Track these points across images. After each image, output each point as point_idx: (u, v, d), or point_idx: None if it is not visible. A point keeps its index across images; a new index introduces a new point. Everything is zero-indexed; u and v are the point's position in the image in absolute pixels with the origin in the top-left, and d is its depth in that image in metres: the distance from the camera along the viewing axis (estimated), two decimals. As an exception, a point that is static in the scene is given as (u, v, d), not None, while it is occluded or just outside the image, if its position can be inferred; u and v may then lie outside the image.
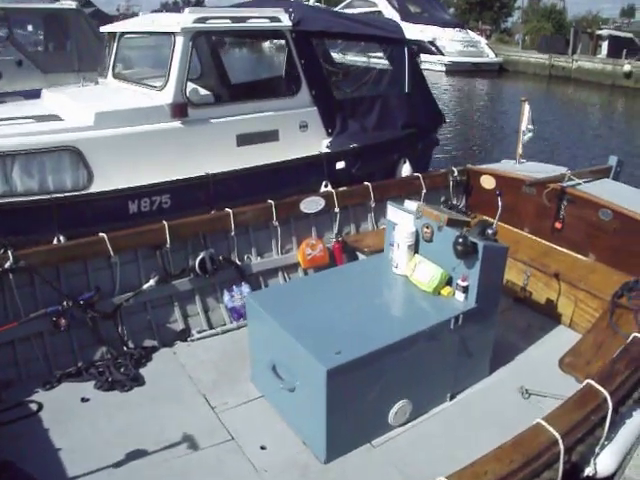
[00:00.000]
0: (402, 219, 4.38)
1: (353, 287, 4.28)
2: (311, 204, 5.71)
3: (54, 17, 11.75)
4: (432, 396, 4.00)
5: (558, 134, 17.04)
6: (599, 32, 36.45)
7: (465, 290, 3.95)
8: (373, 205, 6.07)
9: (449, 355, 3.95)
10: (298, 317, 3.74)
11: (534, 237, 5.93)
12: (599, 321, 4.51)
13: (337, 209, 5.84)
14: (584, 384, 3.04)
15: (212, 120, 6.51)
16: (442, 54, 32.65)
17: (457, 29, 34.53)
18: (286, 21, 6.96)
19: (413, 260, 4.24)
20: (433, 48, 33.71)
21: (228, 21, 6.71)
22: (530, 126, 6.44)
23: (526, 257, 5.43)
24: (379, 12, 33.46)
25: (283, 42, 7.05)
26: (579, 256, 5.47)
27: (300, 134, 7.15)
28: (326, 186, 6.62)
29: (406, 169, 7.66)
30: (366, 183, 6.07)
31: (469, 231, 3.96)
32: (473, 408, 4.03)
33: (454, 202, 6.54)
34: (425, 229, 4.19)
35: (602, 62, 32.14)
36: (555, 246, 5.71)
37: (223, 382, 4.13)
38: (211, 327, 4.89)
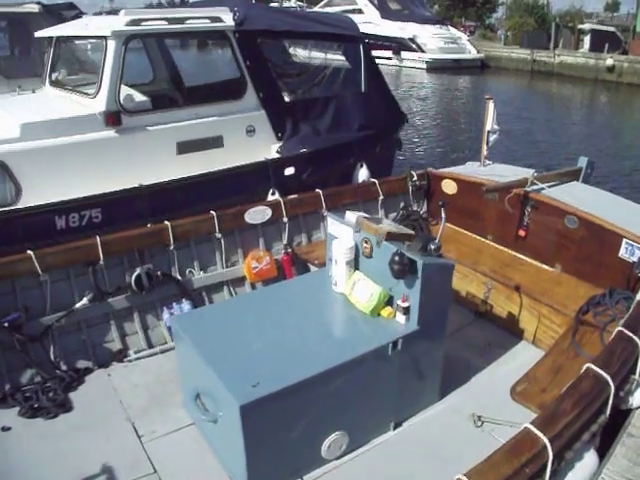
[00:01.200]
0: (341, 232, 4.00)
1: (287, 307, 3.90)
2: (256, 214, 5.37)
3: (17, 21, 11.33)
4: (372, 426, 3.66)
5: (538, 131, 16.71)
6: (581, 26, 36.13)
7: (406, 311, 3.57)
8: (325, 214, 5.69)
9: (389, 382, 3.58)
10: (221, 343, 3.47)
11: (497, 246, 5.57)
12: (560, 340, 4.17)
13: (285, 219, 5.48)
14: (521, 429, 2.67)
15: (149, 128, 6.13)
16: (423, 51, 32.54)
17: (438, 25, 34.27)
18: (229, 21, 6.58)
19: (352, 277, 3.87)
20: (413, 45, 33.74)
21: (165, 23, 6.32)
22: (496, 126, 6.11)
23: (487, 268, 5.07)
24: (359, 10, 33.25)
25: (226, 43, 6.64)
26: (544, 266, 5.12)
27: (247, 139, 6.77)
28: (273, 194, 6.30)
29: (363, 174, 7.29)
30: (317, 190, 5.70)
31: (410, 246, 3.59)
32: (419, 438, 3.68)
33: (414, 208, 6.18)
34: (364, 244, 3.82)
35: (584, 56, 31.85)
36: (519, 255, 5.36)
37: (154, 407, 3.89)
38: (150, 346, 4.64)
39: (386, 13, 33.59)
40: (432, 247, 3.54)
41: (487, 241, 5.66)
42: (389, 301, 3.71)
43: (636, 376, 3.23)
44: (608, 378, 2.92)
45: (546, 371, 3.83)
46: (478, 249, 5.47)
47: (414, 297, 3.52)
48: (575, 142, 15.57)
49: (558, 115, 20.23)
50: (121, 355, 4.46)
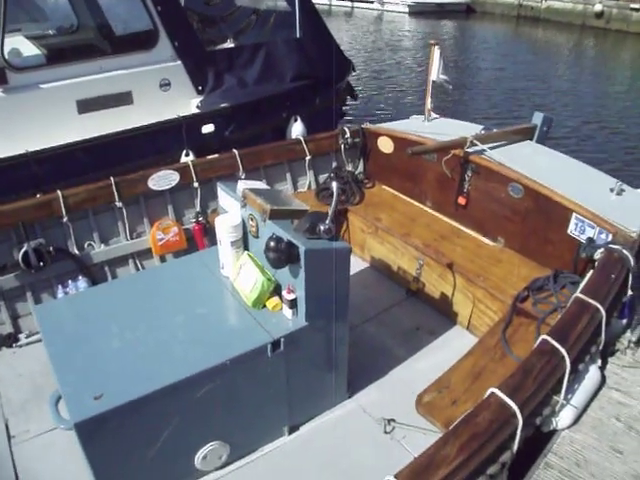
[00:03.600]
0: (231, 206, 3.40)
1: (164, 295, 3.31)
2: (162, 180, 4.74)
3: None
4: (260, 432, 3.17)
5: (521, 80, 15.75)
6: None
7: (292, 304, 2.99)
8: (243, 177, 5.03)
9: (276, 383, 3.05)
10: (76, 340, 2.93)
11: (436, 214, 4.94)
12: (488, 336, 3.58)
13: (196, 184, 4.85)
14: (403, 467, 2.09)
15: (43, 85, 5.38)
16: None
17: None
18: (134, -42, 5.76)
19: (239, 260, 3.26)
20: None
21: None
22: (442, 76, 5.37)
23: (420, 241, 4.45)
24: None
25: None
26: (485, 240, 4.51)
27: (161, 94, 6.02)
28: (187, 155, 5.61)
29: (297, 129, 6.60)
30: (234, 150, 5.03)
31: (296, 227, 2.96)
32: (318, 444, 3.21)
33: (349, 169, 5.50)
34: (250, 221, 3.21)
35: (572, 2, 30.35)
36: (459, 226, 4.73)
37: (34, 402, 3.53)
38: None
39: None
40: (321, 228, 2.90)
41: (425, 208, 5.03)
42: (278, 290, 3.11)
43: (560, 397, 2.65)
44: (515, 409, 2.34)
45: (463, 376, 3.25)
46: (413, 217, 4.84)
47: (300, 289, 2.92)
48: (553, 92, 14.72)
49: (542, 63, 19.23)
50: (10, 340, 4.06)
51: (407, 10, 31.10)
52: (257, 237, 3.18)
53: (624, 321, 3.42)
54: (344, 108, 9.37)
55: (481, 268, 4.09)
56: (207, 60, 6.29)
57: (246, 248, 3.34)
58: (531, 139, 5.05)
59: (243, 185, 3.31)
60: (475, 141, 4.49)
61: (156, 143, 5.62)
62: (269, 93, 6.49)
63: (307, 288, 2.88)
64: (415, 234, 4.54)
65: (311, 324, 2.98)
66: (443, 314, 4.26)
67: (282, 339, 2.89)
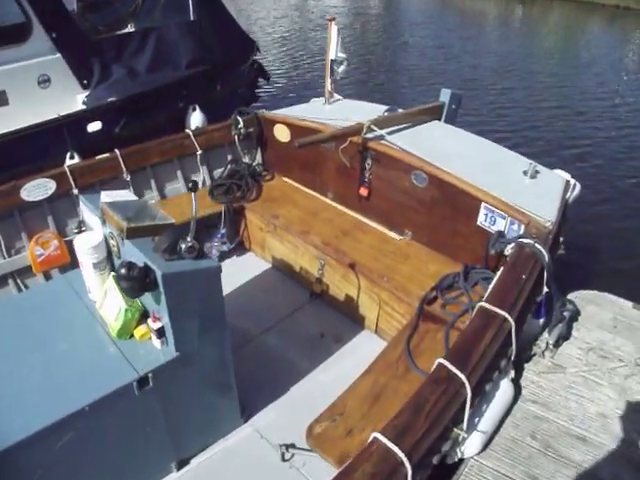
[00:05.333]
0: (93, 223, 3.02)
1: (21, 330, 2.89)
2: (36, 189, 4.27)
3: None
4: (143, 473, 2.84)
5: (444, 55, 15.35)
6: None
7: (160, 333, 2.65)
8: (129, 178, 4.63)
9: (152, 421, 2.72)
10: None
11: (339, 206, 4.63)
12: (390, 347, 3.25)
13: (76, 190, 4.39)
14: None
15: None
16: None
17: None
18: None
19: (105, 284, 2.89)
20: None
21: None
22: (341, 54, 5.02)
23: (320, 239, 4.14)
24: None
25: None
26: (392, 234, 4.22)
27: (40, 92, 5.52)
28: (72, 158, 5.14)
29: (197, 119, 6.18)
30: (115, 151, 4.59)
31: (155, 246, 2.61)
32: (210, 476, 2.92)
33: (246, 160, 5.14)
34: (112, 240, 2.85)
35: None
36: (363, 219, 4.43)
37: None
38: None
39: None
40: (183, 247, 2.57)
41: (327, 201, 4.72)
42: (147, 316, 2.77)
43: (462, 430, 2.31)
44: (402, 456, 2.03)
45: (360, 399, 2.91)
46: (314, 212, 4.54)
47: (164, 316, 2.60)
48: (489, 65, 14.33)
49: (472, 33, 19.00)
50: None
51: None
52: (120, 257, 2.84)
53: (541, 321, 3.16)
54: (257, 91, 8.96)
55: (386, 267, 3.81)
56: (91, 50, 5.80)
57: (113, 269, 2.99)
58: (439, 119, 4.76)
59: (106, 197, 2.95)
60: (373, 126, 4.16)
61: (35, 147, 5.12)
62: (162, 82, 6.06)
63: (172, 316, 2.55)
64: (315, 231, 4.25)
65: (183, 354, 2.67)
66: (349, 317, 3.99)
67: (150, 374, 2.57)
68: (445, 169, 3.77)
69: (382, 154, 4.17)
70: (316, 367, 3.58)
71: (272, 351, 3.73)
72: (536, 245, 3.00)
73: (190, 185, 2.52)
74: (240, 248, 4.78)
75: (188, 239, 2.57)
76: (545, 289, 2.97)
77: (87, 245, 2.88)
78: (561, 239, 3.44)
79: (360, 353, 3.60)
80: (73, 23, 5.75)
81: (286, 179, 5.03)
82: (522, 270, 2.86)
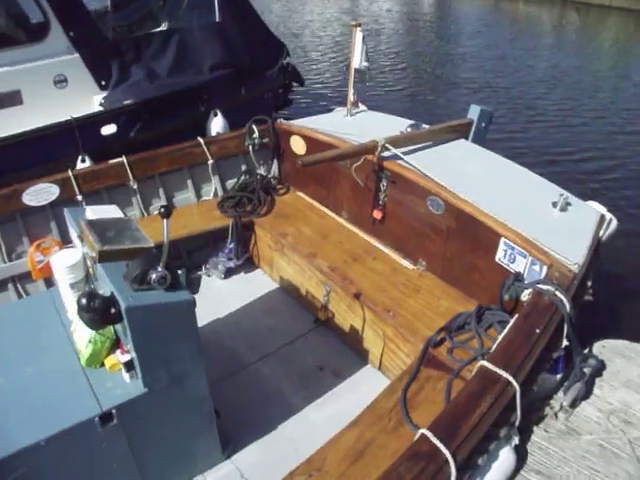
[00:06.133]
0: (75, 239, 2.83)
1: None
2: (38, 194, 4.16)
3: None
4: None
5: (496, 62, 14.73)
6: None
7: (129, 366, 2.43)
8: (136, 186, 4.46)
9: (118, 458, 2.49)
10: None
11: (352, 228, 4.33)
12: (385, 395, 2.87)
13: (80, 197, 4.26)
14: None
15: None
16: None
17: None
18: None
19: None
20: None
21: None
22: (365, 63, 4.73)
23: (327, 263, 3.86)
24: None
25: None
26: (405, 262, 3.90)
27: (57, 92, 5.38)
28: (83, 161, 5.00)
29: (217, 124, 5.98)
30: (122, 158, 4.41)
31: (126, 273, 2.38)
32: None
33: (261, 172, 4.90)
34: (88, 261, 2.65)
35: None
36: (376, 244, 4.12)
37: None
38: None
39: None
40: (153, 277, 2.32)
41: (341, 220, 4.43)
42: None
43: None
44: None
45: (342, 454, 2.57)
46: (325, 233, 4.25)
47: (132, 349, 2.37)
48: (546, 73, 13.70)
49: (526, 42, 18.29)
50: None
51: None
52: (96, 280, 2.62)
53: (558, 376, 2.78)
54: (290, 96, 8.68)
55: (394, 300, 3.50)
56: (110, 51, 5.64)
57: None
58: (467, 138, 4.40)
59: (90, 213, 2.75)
60: (388, 145, 3.83)
61: (46, 149, 4.98)
62: (183, 86, 5.85)
63: (138, 351, 2.32)
64: (323, 254, 3.97)
65: (152, 390, 2.43)
66: (353, 350, 3.69)
67: (114, 410, 2.34)
68: (463, 196, 3.41)
69: (398, 175, 3.84)
70: (311, 403, 3.31)
71: (267, 382, 3.48)
72: (557, 293, 2.63)
73: (161, 210, 2.27)
74: (248, 264, 4.55)
75: (159, 268, 2.32)
76: (565, 342, 2.61)
77: (64, 264, 2.68)
78: (589, 283, 3.06)
79: (359, 391, 3.32)
80: (92, 22, 5.60)
81: (301, 194, 4.76)
82: (537, 323, 2.50)
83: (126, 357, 2.42)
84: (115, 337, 2.56)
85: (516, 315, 2.66)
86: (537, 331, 2.44)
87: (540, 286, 2.70)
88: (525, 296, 2.80)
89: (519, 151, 8.10)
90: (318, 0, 24.41)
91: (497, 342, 2.48)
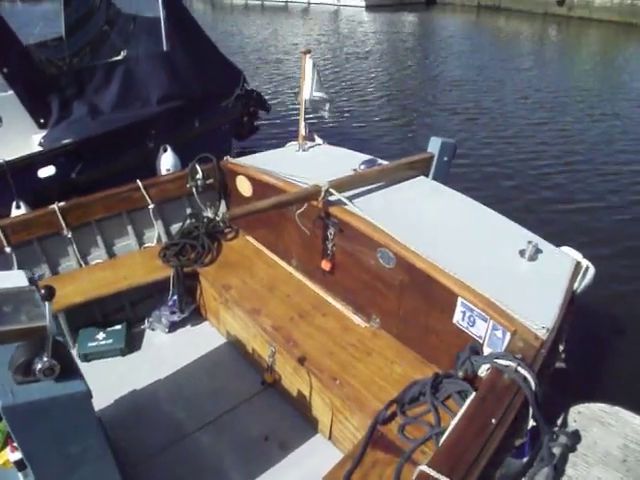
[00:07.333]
0: None
1: None
2: None
3: None
4: None
5: (481, 79, 14.60)
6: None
7: (21, 465, 2.07)
8: (70, 235, 4.08)
9: None
10: None
11: (302, 278, 3.95)
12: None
13: (8, 249, 3.87)
14: None
15: None
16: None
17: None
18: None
19: None
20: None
21: None
22: (318, 93, 4.37)
23: (270, 321, 3.48)
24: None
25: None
26: (357, 319, 3.52)
27: (-11, 134, 5.01)
28: (18, 208, 4.61)
29: (167, 161, 5.62)
30: (53, 206, 4.03)
31: (9, 364, 1.99)
32: None
33: (209, 214, 4.50)
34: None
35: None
36: (327, 297, 3.74)
37: None
38: None
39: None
40: (38, 367, 1.94)
41: (291, 269, 4.06)
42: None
43: None
44: None
45: None
46: (272, 285, 3.89)
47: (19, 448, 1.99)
48: (529, 87, 13.51)
49: (509, 54, 18.22)
50: None
51: (364, 4, 30.21)
52: None
53: (524, 460, 2.38)
54: (257, 122, 8.32)
55: (341, 365, 3.12)
56: (49, 86, 5.27)
57: None
58: (427, 174, 4.08)
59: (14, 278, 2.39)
60: (332, 190, 3.45)
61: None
62: (128, 121, 5.49)
63: (25, 451, 1.94)
64: (268, 310, 3.60)
65: None
66: (302, 417, 3.32)
67: None
68: (415, 249, 3.03)
69: (345, 223, 3.45)
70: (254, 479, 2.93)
71: (205, 455, 3.10)
72: (519, 369, 2.26)
73: (42, 292, 1.89)
74: (195, 316, 4.17)
75: (45, 357, 1.94)
76: (531, 423, 2.25)
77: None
78: (561, 347, 2.70)
79: (308, 464, 2.97)
80: (28, 56, 5.24)
81: (249, 238, 4.41)
82: (494, 409, 2.12)
83: (16, 455, 2.06)
84: (7, 431, 2.18)
85: (473, 394, 2.30)
86: (493, 421, 2.06)
87: (499, 361, 2.33)
88: (483, 372, 2.42)
89: (486, 184, 7.70)
90: (302, 23, 24.54)
91: (443, 438, 2.10)
